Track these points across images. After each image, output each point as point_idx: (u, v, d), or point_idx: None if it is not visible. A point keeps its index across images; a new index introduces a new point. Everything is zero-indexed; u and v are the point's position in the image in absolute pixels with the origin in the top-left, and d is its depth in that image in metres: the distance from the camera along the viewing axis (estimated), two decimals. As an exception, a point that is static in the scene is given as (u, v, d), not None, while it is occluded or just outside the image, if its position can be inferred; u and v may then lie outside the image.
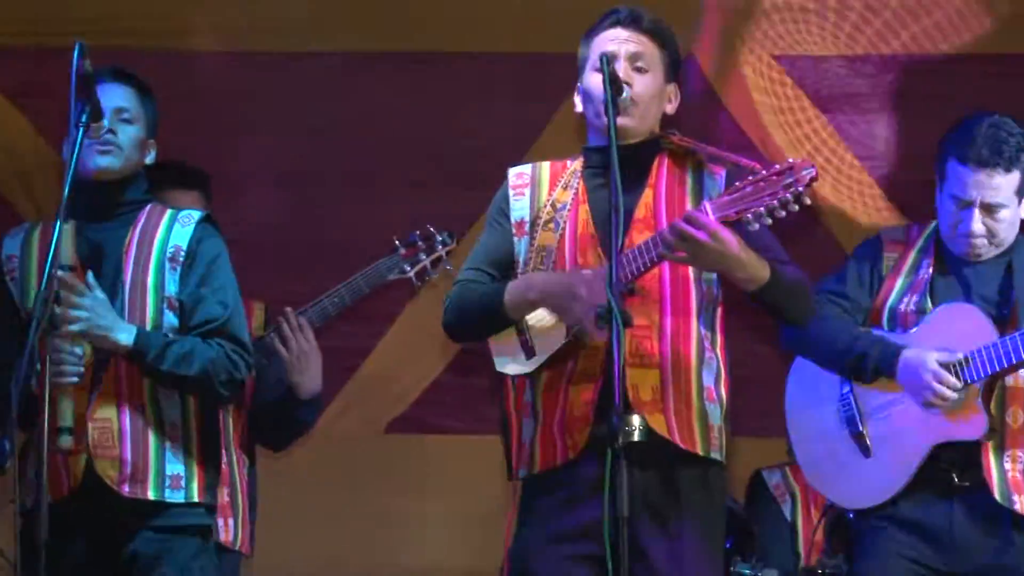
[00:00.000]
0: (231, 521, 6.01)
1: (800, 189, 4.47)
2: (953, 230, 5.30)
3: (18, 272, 5.18)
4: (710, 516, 4.81)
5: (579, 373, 4.74)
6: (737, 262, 4.63)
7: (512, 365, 4.87)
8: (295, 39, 7.54)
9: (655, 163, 4.88)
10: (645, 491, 4.63)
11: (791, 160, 4.55)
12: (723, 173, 4.81)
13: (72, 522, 4.87)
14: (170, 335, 5.08)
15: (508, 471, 4.93)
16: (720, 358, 4.86)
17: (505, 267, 4.93)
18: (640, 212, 4.80)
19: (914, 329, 5.30)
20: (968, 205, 5.25)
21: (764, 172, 4.55)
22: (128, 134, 5.16)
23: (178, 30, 7.49)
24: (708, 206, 4.56)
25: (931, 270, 5.37)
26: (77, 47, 4.80)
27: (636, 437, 4.64)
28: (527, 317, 4.82)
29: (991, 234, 5.27)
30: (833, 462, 5.39)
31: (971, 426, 5.16)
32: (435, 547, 7.45)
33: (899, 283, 5.39)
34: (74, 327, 4.90)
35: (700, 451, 4.72)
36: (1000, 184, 5.22)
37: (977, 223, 5.24)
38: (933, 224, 5.42)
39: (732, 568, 6.28)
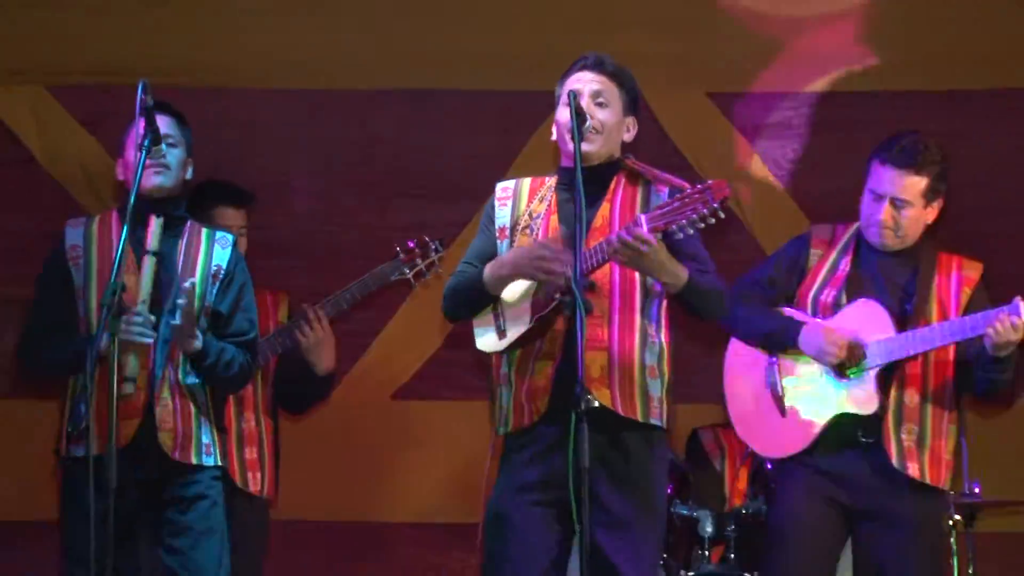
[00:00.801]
0: (258, 474, 6.08)
1: (716, 205, 4.51)
2: (868, 220, 5.35)
3: (82, 260, 5.21)
4: (653, 468, 4.87)
5: (544, 352, 4.80)
6: (660, 267, 4.70)
7: (488, 344, 4.94)
8: (318, 79, 7.46)
9: (614, 182, 4.93)
10: (600, 448, 4.65)
11: (709, 181, 4.60)
12: (666, 191, 4.83)
13: (129, 474, 4.87)
14: (216, 342, 5.20)
15: (493, 426, 5.01)
16: (663, 341, 4.89)
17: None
18: (597, 222, 4.85)
19: (829, 320, 5.31)
20: (881, 198, 5.30)
21: (688, 190, 4.59)
22: (174, 155, 5.23)
23: (221, 70, 7.41)
24: (643, 218, 4.62)
25: (849, 267, 5.39)
26: (141, 84, 4.85)
27: (596, 404, 4.70)
28: (503, 305, 4.88)
29: (897, 226, 5.30)
30: (758, 419, 5.43)
31: (866, 403, 5.21)
32: (433, 493, 7.42)
33: (821, 277, 5.41)
34: (179, 326, 5.02)
35: (640, 419, 4.80)
36: (908, 184, 5.29)
37: (886, 214, 5.29)
38: (856, 225, 5.42)
39: (672, 510, 6.24)
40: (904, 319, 5.27)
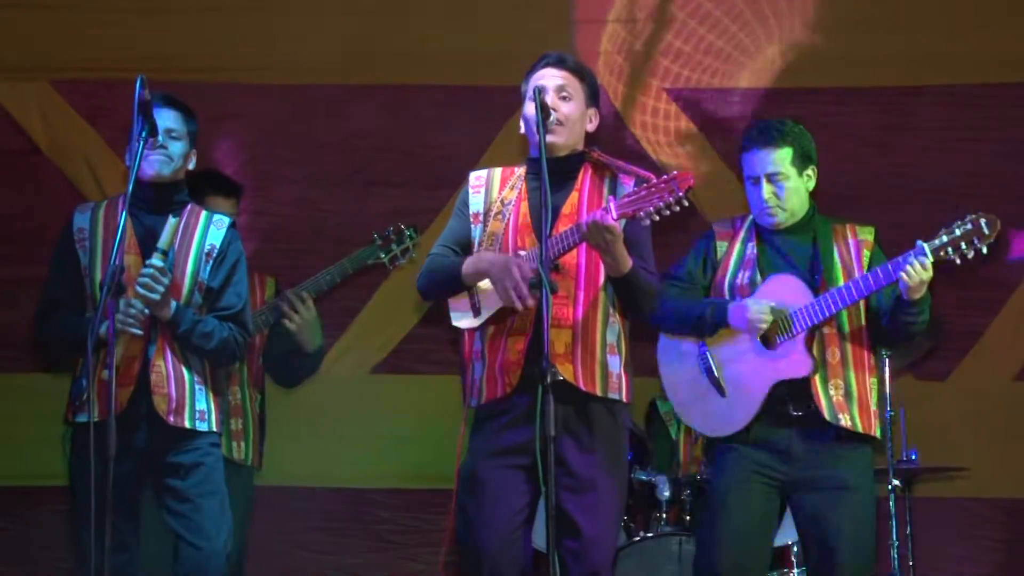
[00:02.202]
0: (243, 444, 6.17)
1: (680, 194, 4.63)
2: (756, 207, 5.41)
3: (88, 243, 5.27)
4: (614, 437, 4.96)
5: (515, 328, 4.88)
6: (620, 254, 4.77)
7: (463, 321, 5.00)
8: (303, 75, 7.58)
9: (580, 172, 5.02)
10: (566, 418, 4.78)
11: (675, 172, 4.71)
12: (631, 182, 4.89)
13: (126, 441, 4.93)
14: (198, 315, 5.24)
15: (464, 400, 5.07)
16: (621, 321, 4.98)
17: (464, 246, 5.06)
18: (566, 209, 4.95)
19: (748, 296, 5.36)
20: (757, 181, 5.36)
21: (655, 180, 4.70)
22: (176, 147, 5.31)
23: (214, 67, 7.53)
24: (612, 205, 4.72)
25: (755, 250, 5.41)
26: (139, 80, 4.91)
27: (561, 377, 4.78)
28: (478, 284, 4.93)
29: (780, 201, 5.35)
30: (699, 403, 5.42)
31: (800, 366, 5.23)
32: (408, 460, 7.44)
33: (732, 264, 5.43)
34: (146, 292, 5.06)
35: (599, 393, 4.89)
36: (773, 157, 5.34)
37: (767, 192, 5.34)
38: (751, 216, 5.48)
39: (632, 475, 6.29)
40: (816, 289, 5.29)
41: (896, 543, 6.45)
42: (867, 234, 5.42)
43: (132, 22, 7.51)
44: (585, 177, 5.01)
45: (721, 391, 5.37)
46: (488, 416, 4.96)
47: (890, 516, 6.44)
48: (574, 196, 4.97)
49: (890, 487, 6.44)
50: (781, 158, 5.35)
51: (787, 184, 5.36)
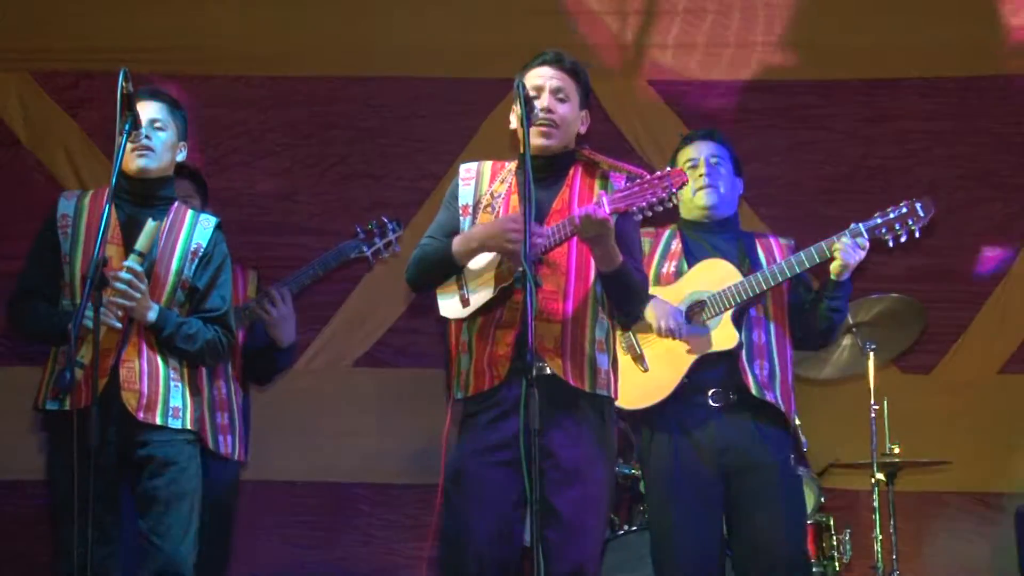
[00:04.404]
0: (229, 438, 6.11)
1: (674, 191, 4.64)
2: (695, 187, 5.53)
3: (71, 230, 5.23)
4: (602, 431, 4.92)
5: (504, 321, 4.84)
6: (611, 247, 4.76)
7: (452, 311, 4.96)
8: (285, 66, 7.60)
9: (571, 170, 5.00)
10: (555, 412, 4.74)
11: (669, 168, 4.71)
12: (623, 179, 4.88)
13: (103, 435, 4.86)
14: (181, 316, 5.22)
15: (446, 392, 5.02)
16: (610, 320, 4.96)
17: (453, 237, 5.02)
18: (557, 205, 4.92)
19: (674, 283, 5.46)
20: (699, 162, 5.53)
21: (648, 176, 4.69)
22: (161, 139, 5.26)
23: (196, 59, 7.54)
24: (604, 199, 4.70)
25: (680, 244, 5.53)
26: (122, 73, 4.87)
27: (548, 371, 4.79)
28: (466, 275, 4.92)
29: (719, 180, 5.51)
30: (622, 380, 5.17)
31: (727, 340, 5.32)
32: (390, 454, 7.44)
33: (657, 254, 5.53)
34: (123, 300, 5.04)
35: (588, 388, 4.85)
36: (717, 148, 5.57)
37: (707, 169, 5.51)
38: (672, 226, 5.61)
39: (616, 469, 5.92)
40: (745, 273, 5.41)
41: (879, 536, 6.44)
42: (787, 240, 5.58)
43: (111, 13, 7.52)
44: (575, 175, 4.99)
45: (644, 367, 5.41)
46: (475, 411, 4.90)
47: (873, 510, 6.46)
48: (565, 192, 4.95)
49: (873, 480, 6.45)
50: (722, 151, 5.58)
51: (725, 171, 5.55)
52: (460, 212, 5.02)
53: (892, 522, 6.54)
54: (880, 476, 6.48)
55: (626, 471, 6.49)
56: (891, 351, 6.74)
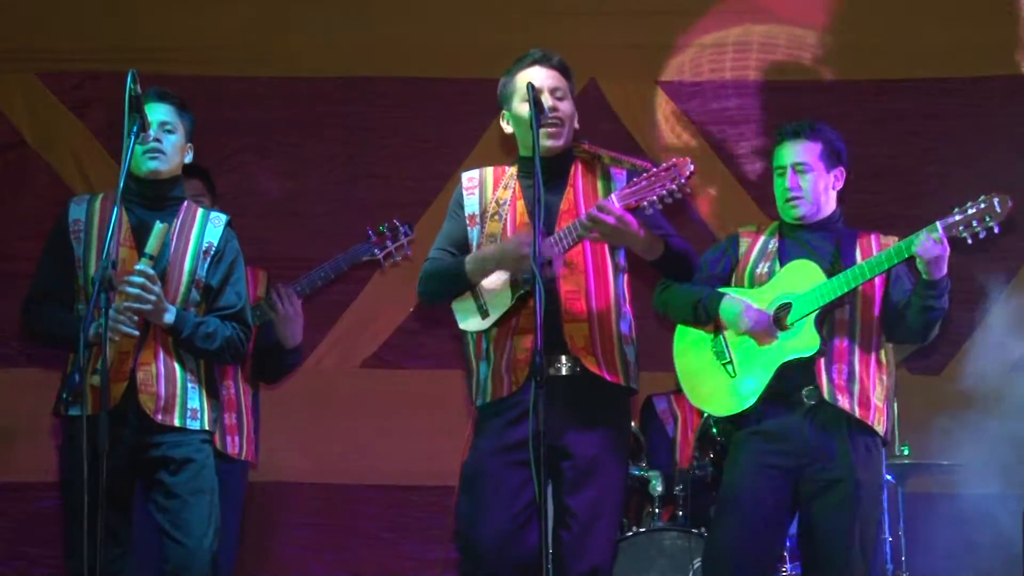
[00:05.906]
0: (237, 438, 6.15)
1: (683, 181, 4.66)
2: (781, 197, 5.43)
3: (83, 235, 5.21)
4: (620, 430, 4.99)
5: (521, 327, 4.87)
6: (636, 239, 4.81)
7: (472, 324, 4.98)
8: (292, 67, 7.61)
9: (572, 169, 5.01)
10: (573, 412, 4.80)
11: (675, 159, 4.72)
12: (624, 173, 4.93)
13: (117, 435, 4.88)
14: (198, 316, 5.21)
15: (471, 398, 5.05)
16: (630, 313, 5.02)
17: (462, 248, 5.04)
18: (564, 206, 4.94)
19: (766, 284, 5.38)
20: (784, 171, 5.40)
21: (655, 169, 4.72)
22: (170, 141, 5.25)
23: (203, 60, 7.54)
24: (614, 196, 4.73)
25: (777, 244, 5.43)
26: (130, 75, 4.86)
27: (564, 372, 4.83)
28: (482, 287, 4.93)
29: (804, 192, 5.36)
30: (710, 385, 5.41)
31: (809, 345, 5.22)
32: (397, 456, 7.43)
33: (753, 255, 5.44)
34: (139, 305, 5.03)
35: (623, 382, 4.92)
36: (801, 148, 5.39)
37: (791, 181, 5.37)
38: (775, 222, 5.52)
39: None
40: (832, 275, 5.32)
41: (888, 538, 6.43)
42: (889, 239, 5.39)
43: (117, 13, 7.51)
44: (577, 173, 5.00)
45: (731, 372, 5.36)
46: (493, 414, 4.93)
47: (882, 511, 6.39)
48: (569, 192, 4.97)
49: (882, 482, 6.42)
50: (809, 150, 5.40)
51: (812, 176, 5.39)
52: (467, 222, 5.05)
53: (901, 523, 6.54)
54: (889, 478, 6.46)
55: (635, 472, 6.48)
56: (901, 352, 6.65)
